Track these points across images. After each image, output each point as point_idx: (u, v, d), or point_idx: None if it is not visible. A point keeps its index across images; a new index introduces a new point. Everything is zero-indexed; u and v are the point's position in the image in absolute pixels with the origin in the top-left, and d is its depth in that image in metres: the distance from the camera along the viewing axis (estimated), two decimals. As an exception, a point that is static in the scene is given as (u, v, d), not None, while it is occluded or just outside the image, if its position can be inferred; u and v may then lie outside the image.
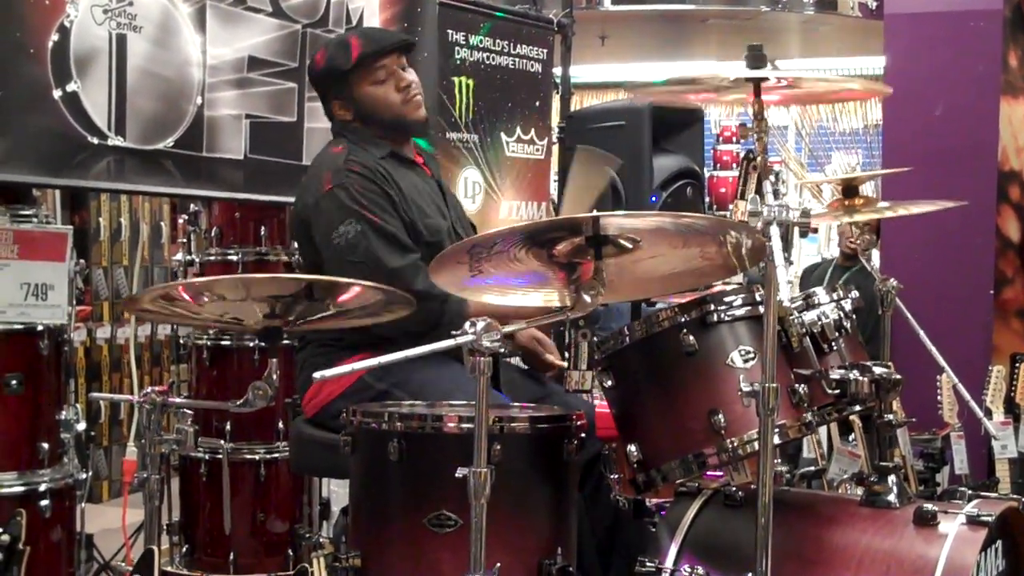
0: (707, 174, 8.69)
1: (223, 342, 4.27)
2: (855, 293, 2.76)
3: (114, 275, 6.72)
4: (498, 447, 2.32)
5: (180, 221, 4.99)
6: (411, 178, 3.18)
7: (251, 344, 4.22)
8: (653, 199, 4.50)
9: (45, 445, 3.38)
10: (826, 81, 2.61)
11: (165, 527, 4.16)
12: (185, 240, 4.55)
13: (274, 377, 2.59)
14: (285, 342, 4.09)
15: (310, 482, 4.42)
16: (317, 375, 2.15)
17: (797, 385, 2.49)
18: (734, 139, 9.29)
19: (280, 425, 4.25)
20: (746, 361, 2.47)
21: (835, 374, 2.55)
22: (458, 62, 4.77)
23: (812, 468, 4.08)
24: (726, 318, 2.52)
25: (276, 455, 4.26)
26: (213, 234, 4.37)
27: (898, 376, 2.59)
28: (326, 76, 3.22)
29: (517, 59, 5.08)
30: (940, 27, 5.15)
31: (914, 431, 4.28)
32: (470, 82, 4.83)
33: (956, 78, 5.09)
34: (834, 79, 2.59)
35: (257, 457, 4.24)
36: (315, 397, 3.04)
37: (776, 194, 2.35)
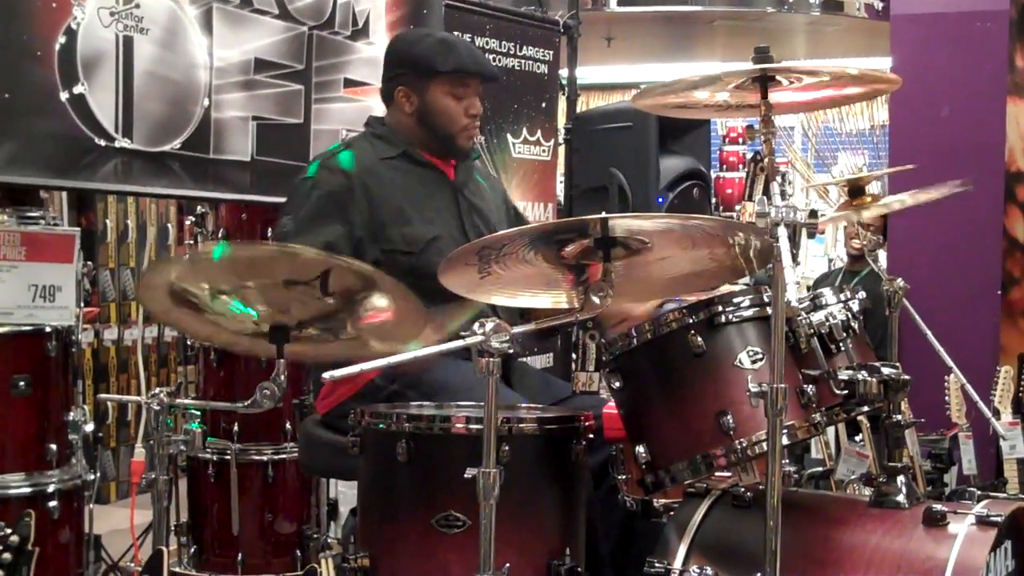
0: (713, 175, 8.70)
1: (230, 343, 4.27)
2: (862, 294, 2.76)
3: (121, 276, 6.73)
4: (507, 448, 2.31)
5: (187, 223, 5.00)
6: (413, 180, 3.13)
7: (258, 345, 4.22)
8: (660, 200, 4.51)
9: (53, 446, 3.39)
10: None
11: (173, 528, 4.17)
12: (192, 242, 4.55)
13: (282, 378, 2.59)
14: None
15: (318, 483, 4.42)
16: (326, 375, 2.16)
17: (805, 386, 2.49)
18: (740, 140, 9.29)
19: (288, 426, 4.26)
20: (754, 362, 2.47)
21: (843, 375, 2.54)
22: (464, 63, 4.77)
23: (820, 469, 4.08)
24: (734, 319, 2.51)
25: (284, 456, 4.26)
26: (220, 235, 4.38)
27: (906, 376, 2.58)
28: (413, 63, 3.17)
29: (523, 60, 5.09)
30: (946, 28, 5.15)
31: (922, 432, 4.28)
32: (476, 83, 4.82)
33: (963, 79, 5.10)
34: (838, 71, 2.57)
35: (265, 458, 4.24)
36: (327, 396, 3.04)
37: (783, 195, 2.35)
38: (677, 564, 2.55)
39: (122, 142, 3.51)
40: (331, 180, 3.03)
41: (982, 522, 2.40)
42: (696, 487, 2.69)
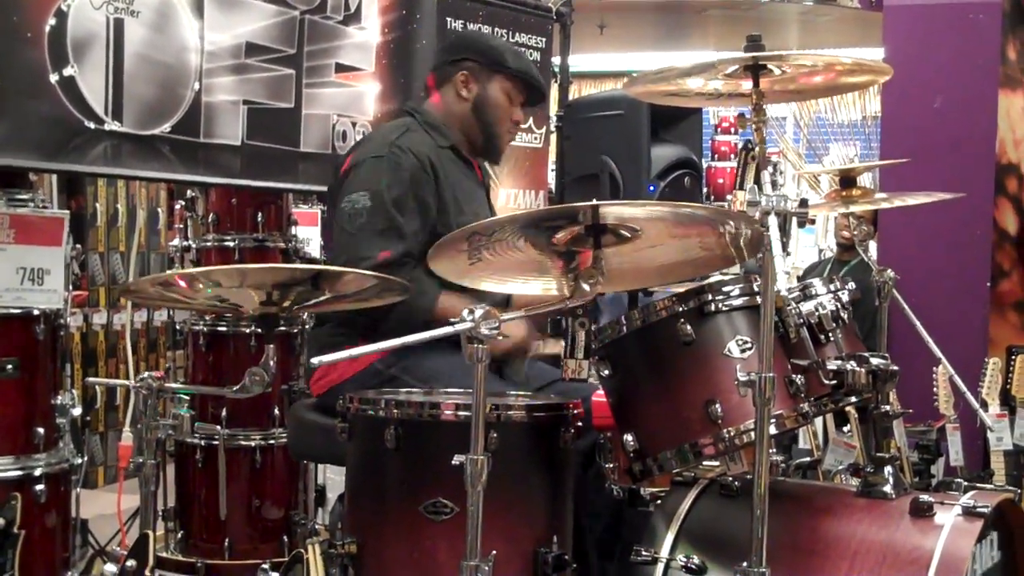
0: (705, 164, 8.69)
1: (219, 328, 4.27)
2: (852, 284, 2.76)
3: (111, 261, 6.70)
4: (495, 435, 2.31)
5: (177, 207, 4.98)
6: (460, 175, 3.20)
7: (247, 330, 4.22)
8: (651, 189, 4.50)
9: (40, 430, 3.38)
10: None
11: (161, 513, 4.16)
12: (182, 226, 4.54)
13: (271, 363, 2.59)
14: (282, 328, 4.16)
15: (306, 469, 4.42)
16: (315, 360, 2.15)
17: (794, 375, 2.49)
18: (732, 130, 9.28)
19: (276, 411, 4.25)
20: (743, 351, 2.47)
21: (832, 364, 2.55)
22: (456, 50, 4.76)
23: (808, 459, 4.09)
24: (723, 308, 2.51)
25: (272, 441, 4.26)
26: (210, 220, 4.37)
27: (895, 367, 2.59)
28: (484, 52, 3.27)
29: (516, 48, 5.06)
30: (939, 19, 5.15)
31: (910, 423, 4.29)
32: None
33: (955, 70, 5.09)
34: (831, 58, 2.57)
35: (253, 443, 4.24)
36: (324, 377, 3.04)
37: (774, 185, 2.35)
38: (664, 552, 2.56)
39: (112, 125, 3.49)
40: (404, 159, 3.05)
41: (968, 513, 2.41)
42: (684, 476, 2.69)
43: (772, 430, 2.34)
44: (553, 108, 5.36)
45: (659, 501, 2.74)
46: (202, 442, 4.20)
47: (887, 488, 2.56)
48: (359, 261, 2.89)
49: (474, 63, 3.25)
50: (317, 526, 4.22)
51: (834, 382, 2.54)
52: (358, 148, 3.21)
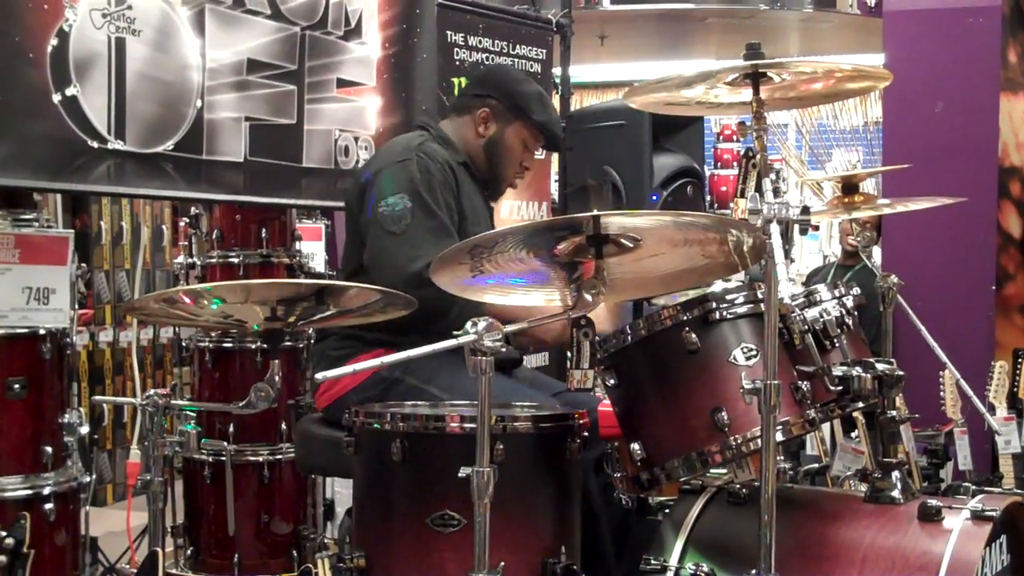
0: (707, 172, 8.70)
1: (225, 344, 4.28)
2: (856, 290, 2.76)
3: (116, 279, 6.72)
4: (501, 446, 2.32)
5: (181, 224, 4.99)
6: (472, 190, 3.24)
7: (253, 346, 4.22)
8: (654, 198, 4.51)
9: (49, 448, 3.38)
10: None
11: (169, 529, 4.16)
12: (186, 243, 4.55)
13: (276, 378, 2.59)
14: (287, 343, 4.16)
15: (314, 483, 4.42)
16: (320, 375, 2.16)
17: (800, 382, 2.49)
18: (734, 137, 9.29)
19: (283, 426, 4.26)
20: (749, 358, 2.47)
21: (837, 371, 2.55)
22: (457, 63, 4.77)
23: (815, 465, 4.08)
24: (728, 316, 2.51)
25: (280, 456, 4.26)
26: (214, 237, 4.38)
27: (901, 372, 2.59)
28: (511, 96, 3.28)
29: (516, 59, 5.08)
30: (939, 24, 5.16)
31: (917, 427, 4.28)
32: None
33: (956, 75, 5.10)
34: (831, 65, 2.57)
35: (261, 459, 4.24)
36: (329, 389, 3.06)
37: (776, 192, 2.35)
38: (673, 561, 2.56)
39: (115, 144, 3.50)
40: (431, 165, 3.08)
41: (977, 517, 2.41)
42: (691, 484, 2.69)
43: (779, 437, 2.35)
44: (555, 119, 5.37)
45: (667, 510, 2.74)
46: (210, 458, 4.21)
47: (895, 493, 2.56)
48: (412, 261, 2.90)
49: (498, 103, 3.27)
50: (326, 540, 4.22)
51: (840, 388, 2.54)
52: (377, 158, 3.25)
